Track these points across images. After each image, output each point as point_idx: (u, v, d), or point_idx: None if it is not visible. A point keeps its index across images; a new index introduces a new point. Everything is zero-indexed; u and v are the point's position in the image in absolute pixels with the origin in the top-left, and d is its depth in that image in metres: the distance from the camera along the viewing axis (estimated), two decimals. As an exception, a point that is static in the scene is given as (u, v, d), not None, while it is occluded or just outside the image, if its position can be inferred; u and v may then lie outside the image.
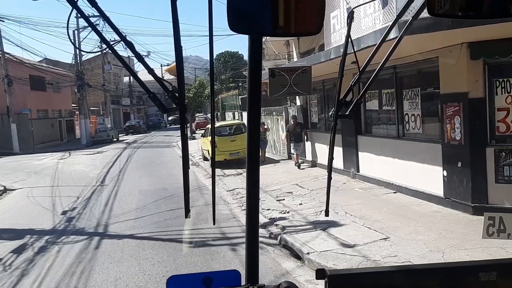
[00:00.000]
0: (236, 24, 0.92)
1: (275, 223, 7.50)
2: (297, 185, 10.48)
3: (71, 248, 6.79)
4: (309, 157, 13.23)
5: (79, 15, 1.19)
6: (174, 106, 1.19)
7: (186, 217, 1.32)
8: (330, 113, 1.61)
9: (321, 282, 1.15)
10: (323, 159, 11.95)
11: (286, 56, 15.14)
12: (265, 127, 15.90)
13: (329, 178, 1.59)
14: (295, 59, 13.58)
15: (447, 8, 1.05)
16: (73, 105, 38.02)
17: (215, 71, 54.65)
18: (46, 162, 21.06)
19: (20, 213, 10.26)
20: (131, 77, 51.41)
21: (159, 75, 1.46)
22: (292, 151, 13.41)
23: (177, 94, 1.18)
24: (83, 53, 32.47)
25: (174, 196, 10.20)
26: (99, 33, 1.32)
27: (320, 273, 1.15)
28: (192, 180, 12.99)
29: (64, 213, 9.57)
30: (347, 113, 1.43)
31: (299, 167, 12.90)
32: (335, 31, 8.51)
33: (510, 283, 1.19)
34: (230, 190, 10.83)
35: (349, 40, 1.44)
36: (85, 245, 6.91)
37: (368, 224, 6.72)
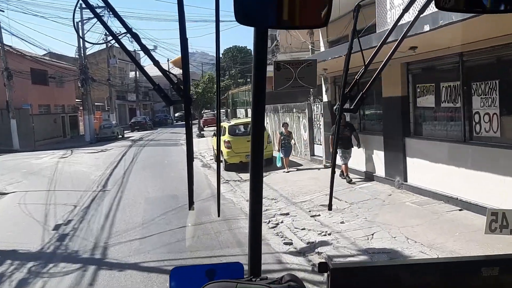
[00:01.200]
0: (242, 16, 0.91)
1: (316, 250, 5.94)
2: (331, 195, 8.90)
3: (58, 284, 5.27)
4: (360, 167, 10.28)
5: (84, 6, 1.18)
6: (180, 98, 1.17)
7: (189, 209, 1.31)
8: (335, 107, 1.52)
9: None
10: (380, 170, 9.54)
11: (310, 47, 13.50)
12: (289, 129, 13.04)
13: (333, 172, 1.64)
14: (322, 49, 11.96)
15: (452, 3, 1.05)
16: (77, 100, 36.60)
17: (224, 65, 53.74)
18: (46, 161, 19.64)
19: (7, 226, 8.78)
20: (137, 72, 50.05)
21: (166, 69, 1.20)
22: (339, 160, 10.00)
23: (182, 87, 1.17)
24: (87, 45, 31.01)
25: (186, 206, 8.65)
26: (105, 25, 1.28)
27: (323, 266, 1.14)
28: (205, 186, 11.48)
29: (57, 228, 8.07)
30: (351, 107, 1.41)
31: (349, 181, 9.74)
32: (393, 7, 6.90)
33: None
34: (251, 200, 9.27)
35: (355, 33, 1.46)
36: (76, 279, 5.39)
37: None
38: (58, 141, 30.23)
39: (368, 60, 1.37)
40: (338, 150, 9.15)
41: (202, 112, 35.90)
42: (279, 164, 12.22)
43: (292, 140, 12.71)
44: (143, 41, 1.21)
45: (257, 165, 1.24)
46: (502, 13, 1.06)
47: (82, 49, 30.38)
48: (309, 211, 7.89)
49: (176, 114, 53.78)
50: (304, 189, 9.71)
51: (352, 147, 9.82)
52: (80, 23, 28.81)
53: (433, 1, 1.03)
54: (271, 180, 11.45)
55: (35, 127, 27.79)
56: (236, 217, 7.96)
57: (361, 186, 9.32)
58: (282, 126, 12.45)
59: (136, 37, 1.19)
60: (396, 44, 1.33)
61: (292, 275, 1.11)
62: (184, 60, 1.16)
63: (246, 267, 1.28)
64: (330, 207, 1.71)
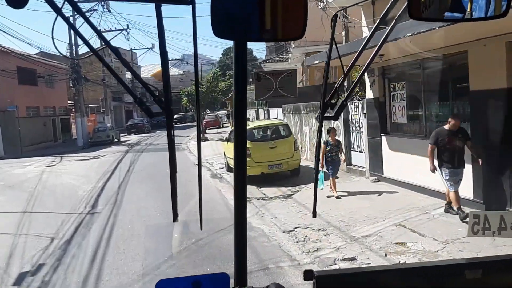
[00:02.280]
0: (221, 30, 0.91)
1: None
2: (403, 226, 6.47)
3: None
4: (428, 183, 7.55)
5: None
6: (161, 111, 1.18)
7: (174, 221, 1.30)
8: (316, 116, 1.43)
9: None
10: (465, 190, 6.82)
11: (343, 32, 11.08)
12: (337, 137, 9.44)
13: (316, 180, 1.64)
14: (365, 34, 9.55)
15: (428, 13, 1.06)
16: (69, 102, 34.06)
17: (226, 64, 52.54)
18: (30, 170, 17.15)
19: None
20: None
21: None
22: (446, 183, 6.51)
23: (163, 99, 1.17)
24: (79, 43, 28.55)
25: (204, 244, 6.25)
26: (82, 37, 1.21)
27: (308, 274, 1.13)
28: (220, 205, 9.04)
29: (19, 280, 5.61)
30: (333, 115, 1.40)
31: (464, 218, 6.07)
32: None
33: (495, 281, 1.19)
34: (289, 231, 6.84)
35: (333, 43, 1.41)
36: None
37: None
38: (48, 146, 27.72)
39: (347, 69, 1.37)
40: (444, 169, 6.55)
41: (204, 113, 33.54)
42: (321, 187, 8.26)
43: (342, 153, 9.30)
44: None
45: (241, 165, 1.23)
46: (483, 20, 1.06)
47: (74, 46, 27.91)
48: (385, 255, 5.46)
49: (175, 116, 51.47)
50: (358, 215, 7.28)
51: (464, 164, 6.47)
52: (72, 18, 26.42)
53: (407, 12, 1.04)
54: (305, 198, 8.96)
55: (22, 131, 25.29)
56: (278, 263, 5.53)
57: (439, 212, 6.89)
58: (328, 133, 9.22)
59: (115, 51, 1.20)
60: (375, 51, 1.35)
61: (277, 284, 1.12)
62: (165, 73, 1.17)
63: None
64: (314, 214, 1.61)
